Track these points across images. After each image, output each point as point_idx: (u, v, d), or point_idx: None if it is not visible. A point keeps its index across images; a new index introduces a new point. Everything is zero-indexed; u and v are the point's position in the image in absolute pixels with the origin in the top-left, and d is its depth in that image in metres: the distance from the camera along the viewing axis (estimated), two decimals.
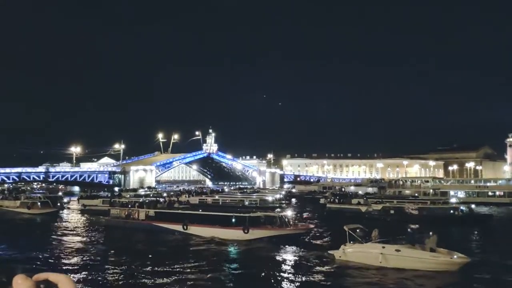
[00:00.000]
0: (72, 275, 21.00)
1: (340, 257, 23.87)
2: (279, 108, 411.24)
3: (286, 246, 28.97)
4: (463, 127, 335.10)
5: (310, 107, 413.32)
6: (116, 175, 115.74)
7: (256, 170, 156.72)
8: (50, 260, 25.92)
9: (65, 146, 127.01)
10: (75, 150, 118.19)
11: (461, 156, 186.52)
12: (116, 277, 21.49)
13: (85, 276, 21.72)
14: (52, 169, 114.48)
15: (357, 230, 24.40)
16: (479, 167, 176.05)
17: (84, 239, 35.36)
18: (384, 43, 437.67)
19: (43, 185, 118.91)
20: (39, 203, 56.31)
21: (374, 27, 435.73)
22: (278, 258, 26.35)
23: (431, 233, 22.76)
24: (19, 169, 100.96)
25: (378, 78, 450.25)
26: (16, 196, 65.15)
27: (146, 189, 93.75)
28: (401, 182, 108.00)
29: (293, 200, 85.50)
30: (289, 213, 37.95)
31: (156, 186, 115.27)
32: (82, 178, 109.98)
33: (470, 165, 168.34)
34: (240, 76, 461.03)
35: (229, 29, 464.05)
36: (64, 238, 35.47)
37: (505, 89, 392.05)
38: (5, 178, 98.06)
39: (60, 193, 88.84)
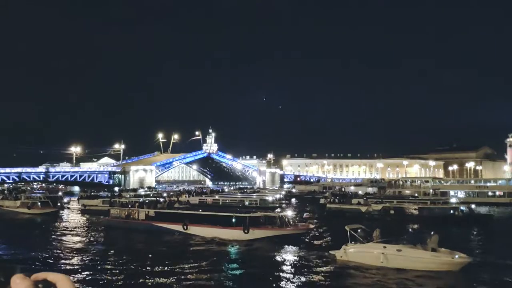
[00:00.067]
0: (72, 275, 21.00)
1: (341, 257, 23.85)
2: (279, 108, 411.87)
3: (287, 246, 28.95)
4: (463, 127, 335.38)
5: (310, 107, 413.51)
6: (116, 175, 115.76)
7: (256, 170, 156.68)
8: (50, 260, 25.91)
9: (65, 146, 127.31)
10: (75, 150, 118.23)
11: (461, 156, 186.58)
12: (116, 277, 21.48)
13: (85, 276, 21.72)
14: (52, 169, 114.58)
15: (358, 230, 24.38)
16: (479, 167, 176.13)
17: (84, 239, 35.37)
18: (384, 43, 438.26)
19: (43, 185, 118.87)
20: (39, 203, 56.33)
21: (374, 27, 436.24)
22: (278, 258, 26.34)
23: (432, 232, 22.77)
24: (19, 169, 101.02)
25: (378, 78, 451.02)
26: (16, 196, 65.12)
27: (146, 189, 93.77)
28: (401, 182, 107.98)
29: (293, 200, 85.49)
30: (289, 213, 37.93)
31: (156, 186, 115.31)
32: (82, 178, 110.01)
33: (470, 165, 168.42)
34: (240, 76, 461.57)
35: (229, 29, 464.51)
36: (64, 238, 35.48)
37: (505, 89, 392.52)
38: (5, 178, 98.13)
39: (60, 193, 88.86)
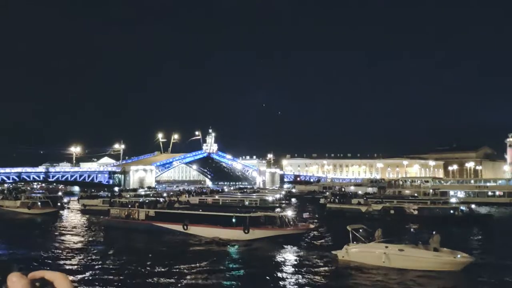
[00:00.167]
0: (71, 275, 20.99)
1: (343, 257, 23.86)
2: (279, 108, 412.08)
3: (287, 246, 28.95)
4: (463, 127, 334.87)
5: (310, 107, 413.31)
6: (116, 175, 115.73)
7: (256, 170, 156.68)
8: (50, 260, 25.93)
9: (65, 146, 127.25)
10: (75, 150, 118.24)
11: (461, 156, 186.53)
12: (116, 277, 21.48)
13: (85, 276, 21.72)
14: (52, 169, 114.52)
15: (360, 230, 24.38)
16: (479, 167, 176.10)
17: (84, 239, 35.39)
18: (384, 43, 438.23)
19: (43, 185, 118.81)
20: (39, 203, 56.31)
21: (374, 27, 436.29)
22: (279, 258, 26.34)
23: (434, 232, 22.78)
24: (19, 169, 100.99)
25: (378, 78, 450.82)
26: (17, 196, 65.11)
27: (146, 189, 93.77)
28: (401, 182, 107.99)
29: (293, 200, 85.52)
30: (289, 213, 37.92)
31: (156, 186, 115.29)
32: (82, 178, 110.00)
33: (470, 165, 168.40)
34: (240, 76, 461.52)
35: (229, 29, 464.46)
36: (64, 238, 35.49)
37: (505, 89, 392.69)
38: (5, 178, 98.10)
39: (60, 193, 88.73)
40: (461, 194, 79.48)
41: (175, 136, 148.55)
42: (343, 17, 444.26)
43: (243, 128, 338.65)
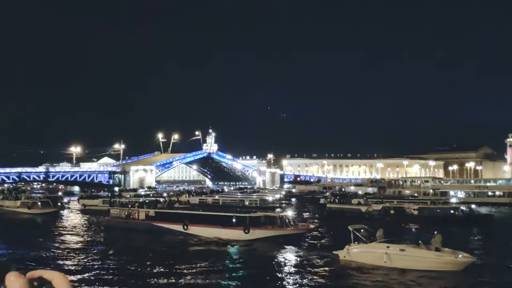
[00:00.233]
0: (71, 275, 21.02)
1: (344, 257, 23.86)
2: (279, 108, 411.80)
3: (287, 246, 28.91)
4: (463, 127, 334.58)
5: (310, 107, 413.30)
6: (116, 175, 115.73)
7: (256, 170, 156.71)
8: (50, 260, 25.90)
9: (65, 146, 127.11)
10: (75, 150, 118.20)
11: (461, 156, 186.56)
12: (116, 277, 21.48)
13: (85, 276, 21.69)
14: (52, 169, 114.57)
15: (361, 230, 24.38)
16: (479, 167, 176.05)
17: (84, 239, 35.37)
18: (384, 43, 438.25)
19: (43, 185, 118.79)
20: (39, 203, 56.31)
21: (374, 27, 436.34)
22: (279, 258, 26.31)
23: (435, 232, 22.77)
24: (19, 169, 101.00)
25: (378, 78, 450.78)
26: (17, 196, 65.10)
27: (146, 189, 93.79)
28: (400, 182, 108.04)
29: (293, 200, 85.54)
30: (290, 213, 37.92)
31: (156, 186, 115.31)
32: (82, 178, 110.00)
33: (470, 165, 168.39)
34: (240, 75, 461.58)
35: (229, 29, 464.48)
36: (64, 238, 35.47)
37: (505, 89, 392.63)
38: (5, 178, 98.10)
39: (60, 193, 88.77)
40: (461, 194, 79.46)
41: (175, 136, 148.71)
42: (343, 17, 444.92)
43: (243, 128, 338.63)
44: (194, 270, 22.89)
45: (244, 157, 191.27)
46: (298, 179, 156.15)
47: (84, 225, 45.28)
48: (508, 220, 52.44)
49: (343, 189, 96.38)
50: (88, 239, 35.34)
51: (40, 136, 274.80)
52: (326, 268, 23.19)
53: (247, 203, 57.20)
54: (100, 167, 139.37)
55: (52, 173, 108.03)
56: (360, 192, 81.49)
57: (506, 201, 72.72)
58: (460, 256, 21.42)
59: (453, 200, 64.02)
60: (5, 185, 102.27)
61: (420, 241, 22.71)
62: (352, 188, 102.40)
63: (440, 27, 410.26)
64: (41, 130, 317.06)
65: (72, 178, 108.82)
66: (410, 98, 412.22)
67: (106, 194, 71.89)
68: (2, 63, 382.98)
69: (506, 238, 34.38)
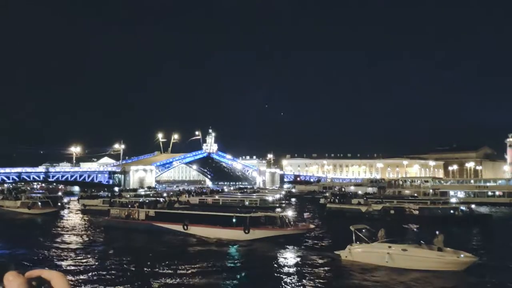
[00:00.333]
0: (71, 275, 21.04)
1: (346, 257, 23.87)
2: (280, 108, 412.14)
3: (287, 246, 28.91)
4: (463, 127, 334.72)
5: (310, 107, 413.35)
6: (116, 175, 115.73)
7: (256, 170, 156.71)
8: (49, 260, 25.91)
9: (65, 146, 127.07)
10: (75, 150, 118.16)
11: (461, 156, 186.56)
12: (116, 277, 21.46)
13: (84, 276, 21.70)
14: (52, 169, 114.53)
15: (363, 230, 24.40)
16: (479, 167, 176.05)
17: (84, 239, 35.35)
18: (384, 43, 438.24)
19: (43, 185, 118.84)
20: (39, 203, 56.33)
21: (374, 27, 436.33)
22: (280, 258, 26.30)
23: (437, 232, 22.76)
24: (19, 169, 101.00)
25: (378, 77, 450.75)
26: (17, 196, 65.13)
27: (146, 189, 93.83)
28: (400, 182, 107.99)
29: (293, 200, 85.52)
30: (290, 213, 37.92)
31: (156, 186, 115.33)
32: (82, 178, 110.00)
33: (470, 165, 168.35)
34: (240, 75, 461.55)
35: (229, 29, 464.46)
36: (64, 238, 35.46)
37: (505, 89, 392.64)
38: (5, 178, 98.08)
39: (60, 193, 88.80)
40: (461, 194, 79.46)
41: (175, 136, 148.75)
42: (343, 17, 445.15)
43: (243, 128, 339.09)
44: (194, 270, 22.88)
45: (244, 157, 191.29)
46: (298, 179, 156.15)
47: (84, 225, 45.27)
48: (508, 220, 52.42)
49: (343, 189, 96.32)
50: (88, 239, 35.33)
51: (40, 136, 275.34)
52: (328, 268, 23.19)
53: (247, 203, 57.20)
54: (100, 167, 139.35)
55: (52, 173, 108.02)
56: (360, 192, 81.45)
57: (506, 201, 72.72)
58: (462, 256, 21.42)
59: (453, 200, 63.98)
60: (5, 185, 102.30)
61: (421, 241, 22.72)
62: (352, 188, 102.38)
63: (440, 27, 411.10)
64: (41, 130, 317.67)
65: (72, 178, 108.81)
66: (410, 98, 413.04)
67: (106, 194, 71.90)
68: (2, 63, 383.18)
69: (506, 238, 34.41)
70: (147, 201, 47.29)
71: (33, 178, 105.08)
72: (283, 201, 68.13)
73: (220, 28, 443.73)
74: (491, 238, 37.06)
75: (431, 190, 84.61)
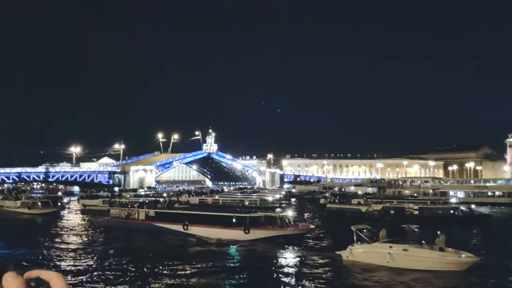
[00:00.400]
0: (71, 275, 21.04)
1: (347, 257, 23.88)
2: (279, 108, 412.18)
3: (287, 246, 28.92)
4: (463, 127, 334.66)
5: (310, 107, 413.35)
6: (116, 175, 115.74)
7: (256, 170, 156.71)
8: (49, 260, 25.92)
9: (65, 146, 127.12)
10: (75, 150, 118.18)
11: (460, 156, 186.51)
12: (116, 277, 21.46)
13: (84, 276, 21.70)
14: (52, 169, 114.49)
15: (364, 230, 24.39)
16: (479, 167, 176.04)
17: (84, 239, 35.36)
18: (384, 43, 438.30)
19: (43, 185, 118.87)
20: (39, 203, 56.33)
21: (374, 27, 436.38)
22: (280, 258, 26.31)
23: (439, 232, 22.76)
24: (19, 169, 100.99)
25: (378, 77, 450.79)
26: (17, 196, 65.13)
27: (146, 189, 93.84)
28: (400, 182, 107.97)
29: (293, 200, 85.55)
30: (290, 213, 37.92)
31: (156, 186, 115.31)
32: (82, 178, 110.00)
33: (470, 165, 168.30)
34: (240, 76, 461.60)
35: (229, 29, 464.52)
36: (64, 238, 35.47)
37: (505, 89, 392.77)
38: (5, 178, 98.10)
39: (60, 193, 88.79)
40: (461, 194, 79.43)
41: (175, 136, 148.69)
42: (343, 17, 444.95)
43: (243, 128, 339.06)
44: (194, 270, 22.89)
45: (244, 157, 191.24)
46: (298, 179, 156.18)
47: (84, 225, 45.28)
48: (508, 220, 52.43)
49: (343, 189, 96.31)
50: (88, 239, 35.33)
51: (40, 136, 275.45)
52: (329, 268, 23.17)
53: (247, 203, 57.21)
54: (100, 167, 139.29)
55: (52, 173, 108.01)
56: (360, 192, 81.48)
57: (506, 201, 72.69)
58: (463, 256, 21.43)
59: (453, 200, 63.97)
60: (5, 185, 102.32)
61: (423, 241, 22.72)
62: (352, 188, 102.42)
63: (440, 27, 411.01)
64: (41, 130, 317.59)
65: (72, 178, 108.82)
66: (410, 98, 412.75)
67: (106, 194, 71.91)
68: (2, 63, 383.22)
69: (506, 238, 34.42)
70: (147, 201, 47.28)
71: (33, 178, 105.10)
72: (283, 201, 68.16)
73: (220, 28, 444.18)
74: (491, 238, 37.06)
75: (431, 190, 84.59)
